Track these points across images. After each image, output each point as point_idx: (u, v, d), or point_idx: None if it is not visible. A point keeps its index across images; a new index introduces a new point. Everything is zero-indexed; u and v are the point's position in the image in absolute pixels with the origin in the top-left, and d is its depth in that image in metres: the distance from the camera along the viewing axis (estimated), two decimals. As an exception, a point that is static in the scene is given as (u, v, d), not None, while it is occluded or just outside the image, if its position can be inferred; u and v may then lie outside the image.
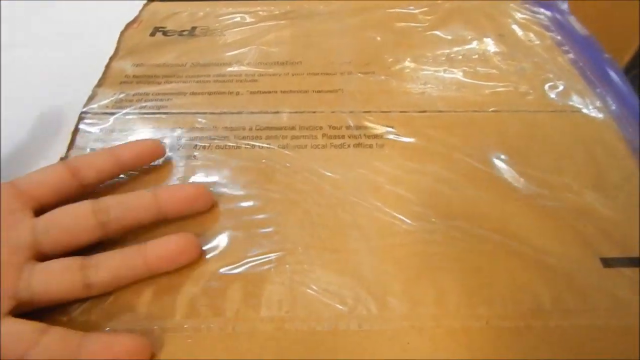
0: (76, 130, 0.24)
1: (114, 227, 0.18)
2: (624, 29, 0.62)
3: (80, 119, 0.24)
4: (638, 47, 0.65)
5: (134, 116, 0.25)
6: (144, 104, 0.25)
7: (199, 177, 0.22)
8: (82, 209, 0.18)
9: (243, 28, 0.32)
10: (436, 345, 0.17)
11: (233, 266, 0.19)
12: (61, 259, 0.17)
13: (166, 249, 0.18)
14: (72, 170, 0.19)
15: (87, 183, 0.20)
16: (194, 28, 0.32)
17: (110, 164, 0.20)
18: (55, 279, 0.17)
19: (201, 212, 0.20)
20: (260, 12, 0.34)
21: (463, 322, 0.18)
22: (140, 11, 0.34)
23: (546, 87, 0.26)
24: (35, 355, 0.15)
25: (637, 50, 0.65)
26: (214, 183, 0.22)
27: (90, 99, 0.26)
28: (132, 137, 0.24)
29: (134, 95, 0.26)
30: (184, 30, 0.32)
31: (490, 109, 0.25)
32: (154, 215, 0.19)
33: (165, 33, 0.32)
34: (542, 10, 0.34)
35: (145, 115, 0.25)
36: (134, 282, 0.18)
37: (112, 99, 0.26)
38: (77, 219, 0.18)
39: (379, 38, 0.31)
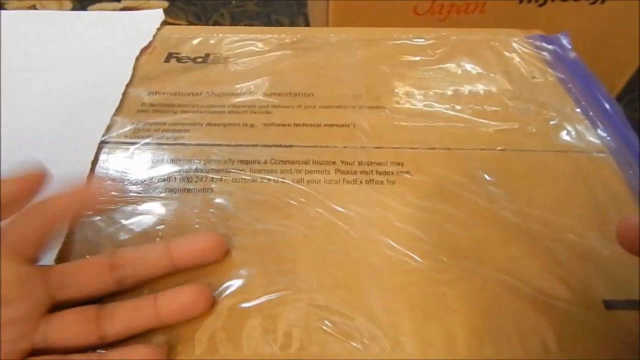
0: (96, 160, 0.24)
1: (129, 282, 0.19)
2: (621, 51, 0.64)
3: (100, 148, 0.25)
4: (637, 68, 0.67)
5: (153, 147, 0.25)
6: (161, 134, 0.26)
7: (214, 210, 0.23)
8: (99, 267, 0.19)
9: (254, 57, 0.33)
10: (447, 386, 0.18)
11: (250, 302, 0.20)
12: (76, 310, 0.18)
13: (177, 302, 0.18)
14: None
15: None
16: (207, 55, 0.33)
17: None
18: (71, 331, 0.17)
19: (215, 262, 0.20)
20: (272, 40, 0.35)
21: (472, 364, 0.18)
22: (154, 36, 0.35)
23: (550, 126, 0.27)
24: None
25: (635, 72, 0.67)
26: (231, 217, 0.22)
27: (109, 127, 0.26)
28: (153, 169, 0.24)
29: (151, 124, 0.27)
30: (197, 57, 0.33)
31: (498, 148, 0.26)
32: (167, 269, 0.19)
33: (179, 59, 0.32)
34: (544, 45, 0.35)
35: (164, 146, 0.25)
36: (146, 331, 0.18)
37: (130, 128, 0.26)
38: (93, 277, 0.18)
39: (388, 71, 0.32)
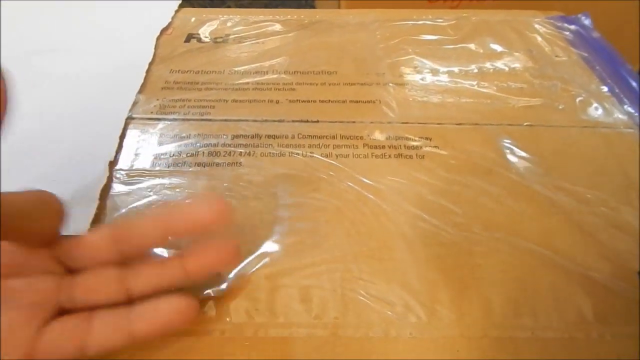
0: (123, 135, 0.24)
1: (137, 294, 0.17)
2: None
3: (127, 123, 0.25)
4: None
5: (180, 122, 0.25)
6: (187, 110, 0.26)
7: (245, 184, 0.22)
8: (110, 279, 0.17)
9: (275, 37, 0.33)
10: (484, 354, 0.18)
11: (286, 272, 0.19)
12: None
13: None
14: (117, 239, 0.18)
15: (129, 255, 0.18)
16: (227, 35, 0.33)
17: (159, 236, 0.18)
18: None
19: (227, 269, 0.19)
20: (291, 21, 0.35)
21: (509, 333, 0.18)
22: (173, 18, 0.35)
23: (577, 103, 0.27)
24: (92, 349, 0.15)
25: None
26: (262, 190, 0.22)
27: (135, 104, 0.26)
28: (180, 144, 0.24)
29: (176, 101, 0.26)
30: (217, 37, 0.33)
31: (525, 123, 0.26)
32: (179, 283, 0.18)
33: (199, 40, 0.32)
34: (565, 25, 0.35)
35: (190, 122, 0.25)
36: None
37: (155, 104, 0.26)
38: (103, 290, 0.17)
39: (410, 49, 0.31)
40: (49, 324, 0.16)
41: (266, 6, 1.04)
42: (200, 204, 0.18)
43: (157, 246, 0.19)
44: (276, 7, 1.04)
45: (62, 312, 0.17)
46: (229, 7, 1.03)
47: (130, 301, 0.17)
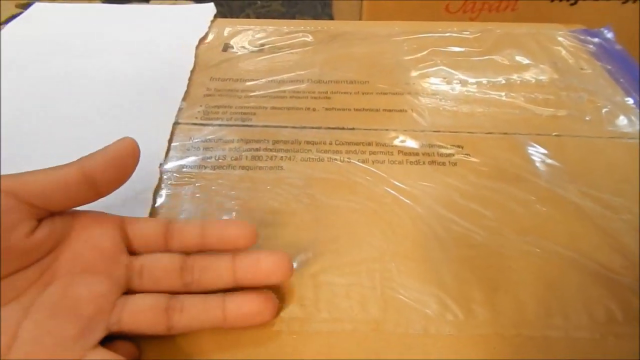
0: (171, 139, 0.26)
1: (194, 288, 0.19)
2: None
3: (173, 128, 0.26)
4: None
5: (223, 128, 0.27)
6: (230, 117, 0.27)
7: (286, 187, 0.24)
8: (172, 266, 0.19)
9: (308, 48, 0.34)
10: (519, 352, 0.19)
11: (328, 270, 0.21)
12: (149, 296, 0.18)
13: (244, 309, 0.18)
14: (166, 231, 0.19)
15: (172, 249, 0.20)
16: (262, 45, 0.34)
17: (197, 243, 0.19)
18: (143, 316, 0.18)
19: (278, 283, 0.20)
20: (321, 32, 0.36)
21: (542, 332, 0.19)
22: (209, 27, 0.36)
23: (603, 114, 0.28)
24: None
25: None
26: (302, 193, 0.24)
27: (179, 110, 0.28)
28: (225, 148, 0.25)
29: (218, 108, 0.28)
30: (253, 47, 0.34)
31: (553, 133, 0.27)
32: (230, 285, 0.19)
33: (236, 49, 0.34)
34: (589, 38, 0.36)
35: (233, 127, 0.27)
36: (210, 328, 0.19)
37: (199, 110, 0.28)
38: (166, 274, 0.19)
39: (438, 60, 0.33)
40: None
41: (283, 14, 1.07)
42: (235, 226, 0.19)
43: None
44: (293, 15, 1.06)
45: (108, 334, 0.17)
46: (248, 15, 1.06)
47: (168, 334, 0.18)
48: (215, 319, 0.18)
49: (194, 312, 0.18)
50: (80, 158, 0.18)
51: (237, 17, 1.06)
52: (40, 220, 0.18)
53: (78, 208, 0.19)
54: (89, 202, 0.19)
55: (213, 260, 0.19)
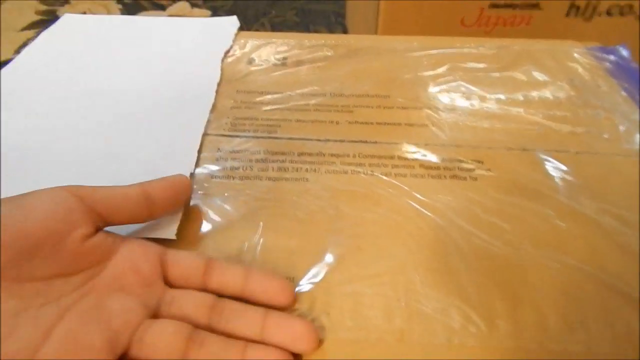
0: (200, 150, 0.27)
1: (219, 330, 0.19)
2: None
3: (202, 139, 0.27)
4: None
5: (251, 139, 0.28)
6: (256, 129, 0.28)
7: (311, 198, 0.25)
8: (203, 302, 0.19)
9: (328, 62, 0.35)
10: (542, 365, 0.19)
11: (350, 281, 0.21)
12: (175, 322, 0.18)
13: (268, 356, 0.18)
14: (207, 269, 0.20)
15: (209, 288, 0.20)
16: (285, 58, 0.35)
17: (237, 289, 0.20)
18: (165, 340, 0.18)
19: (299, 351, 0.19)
20: (341, 46, 0.37)
21: (564, 346, 0.20)
22: (233, 41, 0.37)
23: (621, 132, 0.29)
24: None
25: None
26: (327, 204, 0.24)
27: (208, 121, 0.29)
28: (252, 159, 0.26)
29: (245, 119, 0.29)
30: (276, 60, 0.35)
31: (572, 150, 0.27)
32: (255, 338, 0.19)
33: (260, 63, 0.35)
34: (604, 55, 0.37)
35: (260, 139, 0.28)
36: None
37: (226, 121, 0.29)
38: (195, 309, 0.19)
39: (458, 76, 0.33)
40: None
41: (297, 24, 1.08)
42: (276, 282, 0.20)
43: (230, 295, 0.20)
44: (307, 25, 1.08)
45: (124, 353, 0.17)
46: (262, 24, 1.07)
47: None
48: None
49: (213, 350, 0.18)
50: (146, 181, 0.21)
51: (251, 26, 1.08)
52: (96, 231, 0.19)
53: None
54: (144, 221, 0.21)
55: (246, 308, 0.19)
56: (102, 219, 0.19)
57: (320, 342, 0.19)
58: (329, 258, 0.22)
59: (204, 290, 0.20)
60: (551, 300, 0.21)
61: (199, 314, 0.19)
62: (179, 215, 0.23)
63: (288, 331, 0.19)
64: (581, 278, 0.22)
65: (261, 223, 0.23)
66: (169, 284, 0.20)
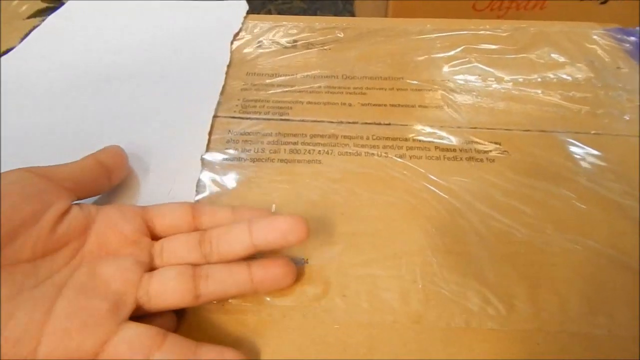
0: (211, 132, 0.26)
1: (214, 258, 0.19)
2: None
3: (213, 121, 0.27)
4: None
5: (262, 121, 0.27)
6: (267, 111, 0.28)
7: (325, 183, 0.24)
8: (192, 242, 0.19)
9: (339, 44, 0.34)
10: (563, 349, 0.19)
11: (366, 263, 0.21)
12: (174, 267, 0.19)
13: (270, 272, 0.19)
14: (195, 214, 0.20)
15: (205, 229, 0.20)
16: (295, 41, 0.35)
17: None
18: (171, 285, 0.18)
19: (295, 244, 0.19)
20: (352, 29, 0.36)
21: (586, 329, 0.19)
22: (242, 24, 0.37)
23: (642, 113, 0.28)
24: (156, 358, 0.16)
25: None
26: (340, 186, 0.24)
27: (218, 103, 0.28)
28: (263, 141, 0.26)
29: (256, 102, 0.28)
30: (287, 43, 0.34)
31: (592, 132, 0.27)
32: (249, 249, 0.19)
33: (269, 45, 0.34)
34: (625, 37, 0.36)
35: (271, 121, 0.27)
36: (237, 296, 0.19)
37: (236, 104, 0.28)
38: (184, 247, 0.19)
39: (472, 58, 0.33)
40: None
41: (304, 10, 1.07)
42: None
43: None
44: (314, 11, 1.07)
45: (137, 308, 0.18)
46: (269, 11, 1.06)
47: (197, 304, 0.18)
48: (242, 284, 0.19)
49: (219, 278, 0.18)
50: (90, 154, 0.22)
51: (258, 12, 1.06)
52: (69, 206, 0.19)
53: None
54: (106, 190, 0.22)
55: (230, 227, 0.20)
56: (73, 193, 0.20)
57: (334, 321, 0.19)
58: (343, 240, 0.22)
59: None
60: (573, 284, 0.20)
61: (191, 253, 0.19)
62: (193, 192, 0.23)
63: (275, 228, 0.19)
64: (603, 261, 0.21)
65: (274, 205, 0.23)
66: (160, 237, 0.20)
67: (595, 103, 0.29)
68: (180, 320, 0.19)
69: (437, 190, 0.24)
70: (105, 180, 0.22)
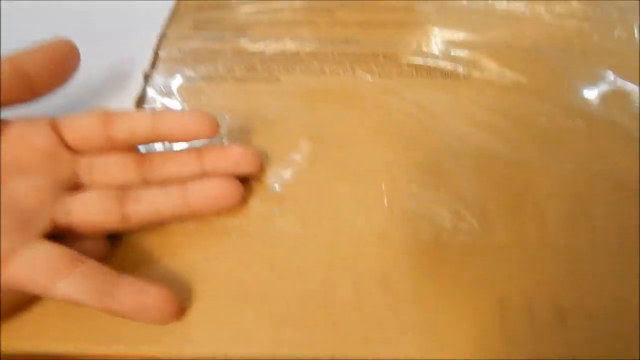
0: (158, 50, 0.24)
1: (155, 178, 0.18)
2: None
3: (162, 39, 0.24)
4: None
5: (217, 41, 0.24)
6: (223, 28, 0.25)
7: (285, 102, 0.22)
8: (127, 159, 0.18)
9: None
10: (541, 263, 0.17)
11: (323, 182, 0.19)
12: (100, 189, 0.17)
13: (209, 192, 0.17)
14: (106, 121, 0.17)
15: (117, 139, 0.17)
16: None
17: (148, 130, 0.17)
18: (94, 206, 0.16)
19: (248, 173, 0.18)
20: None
21: (567, 241, 0.17)
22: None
23: (635, 33, 0.26)
24: (64, 287, 0.14)
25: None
26: (301, 108, 0.21)
27: (169, 20, 0.25)
28: (217, 59, 0.23)
29: (211, 20, 0.25)
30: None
31: (578, 49, 0.24)
32: (196, 172, 0.18)
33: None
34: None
35: (226, 41, 0.24)
36: (173, 220, 0.17)
37: (188, 22, 0.25)
38: (121, 166, 0.17)
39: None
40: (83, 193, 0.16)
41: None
42: (192, 115, 0.17)
43: (144, 142, 0.18)
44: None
45: (56, 228, 0.16)
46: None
47: (126, 226, 0.17)
48: (177, 207, 0.17)
49: (151, 199, 0.17)
50: (14, 53, 0.17)
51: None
52: None
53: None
54: (25, 101, 0.17)
55: (179, 152, 0.18)
56: None
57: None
58: (302, 158, 0.20)
59: (112, 146, 0.17)
60: (554, 200, 0.19)
61: (127, 171, 0.17)
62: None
63: (228, 157, 0.18)
64: (589, 177, 0.19)
65: (225, 125, 0.21)
66: (74, 151, 0.17)
67: (583, 19, 0.26)
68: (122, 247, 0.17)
69: (408, 107, 0.21)
70: (22, 92, 0.17)
